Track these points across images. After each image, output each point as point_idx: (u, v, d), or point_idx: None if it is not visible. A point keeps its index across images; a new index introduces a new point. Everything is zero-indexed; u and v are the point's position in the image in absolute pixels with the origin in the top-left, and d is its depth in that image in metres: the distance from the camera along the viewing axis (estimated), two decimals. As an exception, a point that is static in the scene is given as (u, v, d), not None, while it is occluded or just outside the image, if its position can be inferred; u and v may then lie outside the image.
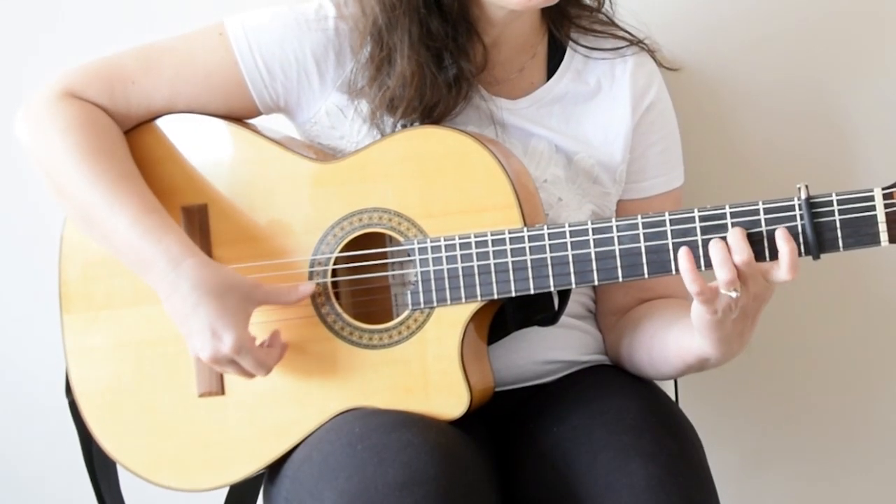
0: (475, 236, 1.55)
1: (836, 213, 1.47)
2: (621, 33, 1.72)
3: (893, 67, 1.95)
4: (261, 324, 1.61)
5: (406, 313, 1.58)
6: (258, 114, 1.68)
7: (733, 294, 1.44)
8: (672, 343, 1.60)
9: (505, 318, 1.63)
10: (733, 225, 1.48)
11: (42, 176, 1.64)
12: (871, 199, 1.46)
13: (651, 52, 1.73)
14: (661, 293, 1.72)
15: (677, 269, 1.50)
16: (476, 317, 1.58)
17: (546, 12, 1.71)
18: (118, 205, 1.57)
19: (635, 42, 1.71)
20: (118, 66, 1.65)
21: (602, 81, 1.70)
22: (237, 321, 1.54)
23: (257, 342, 1.58)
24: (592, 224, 1.53)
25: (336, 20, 1.64)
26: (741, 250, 1.45)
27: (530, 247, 1.54)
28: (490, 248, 1.55)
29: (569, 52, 1.71)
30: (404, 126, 1.62)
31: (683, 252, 1.47)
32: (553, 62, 1.71)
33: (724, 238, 1.47)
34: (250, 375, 1.58)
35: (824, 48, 1.96)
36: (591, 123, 1.70)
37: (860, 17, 1.95)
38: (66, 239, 1.68)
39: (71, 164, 1.59)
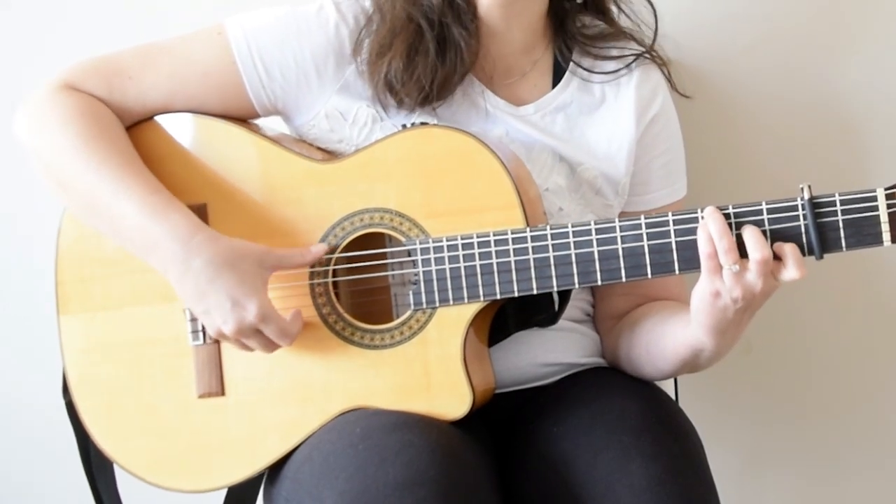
0: (477, 236, 1.55)
1: (839, 213, 1.47)
2: (627, 50, 1.70)
3: (896, 68, 1.96)
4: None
5: (408, 313, 1.58)
6: (255, 115, 1.68)
7: (735, 268, 1.45)
8: (668, 335, 1.61)
9: (506, 318, 1.63)
10: (737, 225, 1.48)
11: (41, 170, 1.63)
12: (874, 199, 1.47)
13: (660, 65, 1.72)
14: (660, 297, 1.72)
15: (680, 269, 1.51)
16: (477, 318, 1.57)
17: (549, 18, 1.70)
18: (123, 188, 1.56)
19: (641, 54, 1.70)
20: (117, 62, 1.65)
21: (607, 92, 1.70)
22: (256, 288, 1.54)
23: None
24: (595, 224, 1.53)
25: (337, 22, 1.64)
26: (762, 247, 1.46)
27: (533, 247, 1.54)
28: (492, 248, 1.55)
29: (568, 73, 1.70)
30: (400, 102, 1.62)
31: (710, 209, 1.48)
32: (558, 72, 1.71)
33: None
34: (273, 348, 1.57)
35: (828, 49, 1.97)
36: (594, 133, 1.70)
37: (864, 18, 1.96)
38: (62, 238, 1.67)
39: (72, 153, 1.58)
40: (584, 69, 1.70)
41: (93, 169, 1.57)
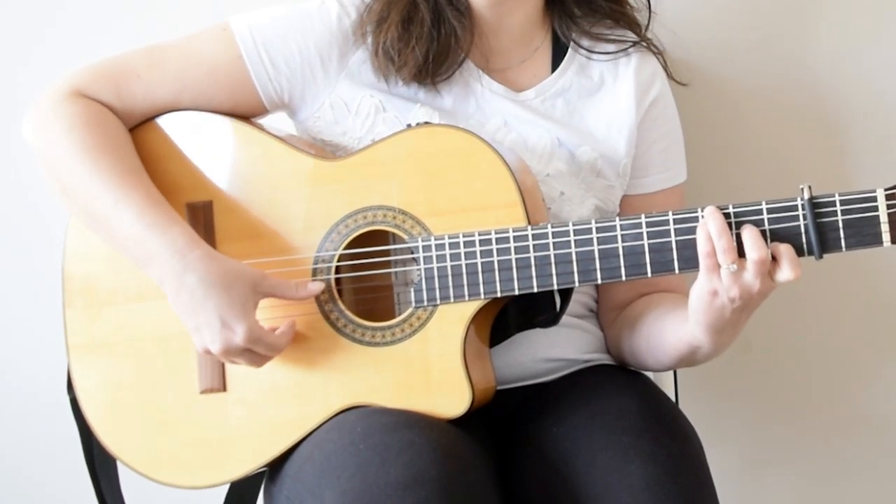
0: (479, 234, 1.56)
1: (839, 213, 1.47)
2: (627, 37, 1.73)
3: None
4: (264, 320, 1.60)
5: (409, 311, 1.58)
6: (263, 111, 1.69)
7: (733, 267, 1.45)
8: (668, 331, 1.61)
9: (507, 319, 1.64)
10: (737, 225, 1.48)
11: (47, 175, 1.64)
12: (874, 199, 1.47)
13: (656, 54, 1.74)
14: (662, 289, 1.73)
15: (680, 269, 1.51)
16: (478, 316, 1.58)
17: (548, 9, 1.73)
18: (123, 199, 1.57)
19: (638, 42, 1.73)
20: (124, 63, 1.67)
21: (605, 76, 1.72)
22: (246, 311, 1.55)
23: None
24: (596, 223, 1.53)
25: (339, 14, 1.67)
26: (760, 248, 1.46)
27: (534, 245, 1.55)
28: (494, 246, 1.55)
29: (570, 52, 1.73)
30: (400, 70, 1.64)
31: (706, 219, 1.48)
32: (557, 57, 1.73)
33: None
34: (261, 363, 1.58)
35: (828, 48, 1.97)
36: (594, 117, 1.72)
37: (862, 17, 1.96)
38: (70, 234, 1.68)
39: (75, 161, 1.60)
40: (584, 48, 1.72)
41: (95, 178, 1.58)
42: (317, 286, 1.59)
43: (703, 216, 1.50)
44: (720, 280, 1.47)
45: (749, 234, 1.47)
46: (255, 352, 1.56)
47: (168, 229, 1.56)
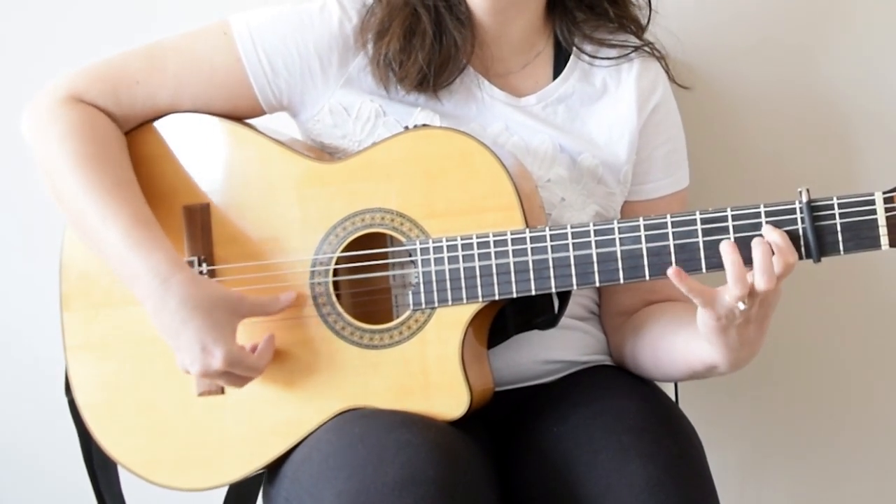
0: (477, 237, 1.55)
1: (837, 216, 1.47)
2: (629, 41, 1.72)
3: (896, 72, 1.96)
4: (261, 323, 1.61)
5: (407, 314, 1.58)
6: (262, 112, 1.69)
7: (741, 306, 1.45)
8: (680, 348, 1.60)
9: (505, 321, 1.64)
10: (735, 229, 1.48)
11: (42, 176, 1.64)
12: (872, 202, 1.47)
13: (659, 59, 1.74)
14: (667, 295, 1.72)
15: (678, 272, 1.51)
16: (476, 319, 1.58)
17: (550, 13, 1.72)
18: (110, 215, 1.57)
19: (640, 47, 1.72)
20: (122, 66, 1.66)
21: (608, 82, 1.72)
22: (225, 335, 1.55)
23: (250, 343, 1.59)
24: (594, 226, 1.53)
25: (341, 18, 1.66)
26: (740, 281, 1.45)
27: (532, 248, 1.54)
28: (492, 249, 1.55)
29: (573, 58, 1.72)
30: (402, 81, 1.64)
31: (672, 271, 1.47)
32: (559, 63, 1.72)
33: (726, 248, 1.47)
34: (241, 384, 1.59)
35: (826, 52, 1.97)
36: (595, 123, 1.71)
37: (862, 20, 1.96)
38: (67, 237, 1.68)
39: (66, 171, 1.59)
40: (587, 55, 1.72)
41: (84, 191, 1.58)
42: (288, 297, 1.59)
43: (700, 220, 1.49)
44: (715, 310, 1.47)
45: (724, 253, 1.46)
46: (235, 374, 1.56)
47: (152, 252, 1.55)
